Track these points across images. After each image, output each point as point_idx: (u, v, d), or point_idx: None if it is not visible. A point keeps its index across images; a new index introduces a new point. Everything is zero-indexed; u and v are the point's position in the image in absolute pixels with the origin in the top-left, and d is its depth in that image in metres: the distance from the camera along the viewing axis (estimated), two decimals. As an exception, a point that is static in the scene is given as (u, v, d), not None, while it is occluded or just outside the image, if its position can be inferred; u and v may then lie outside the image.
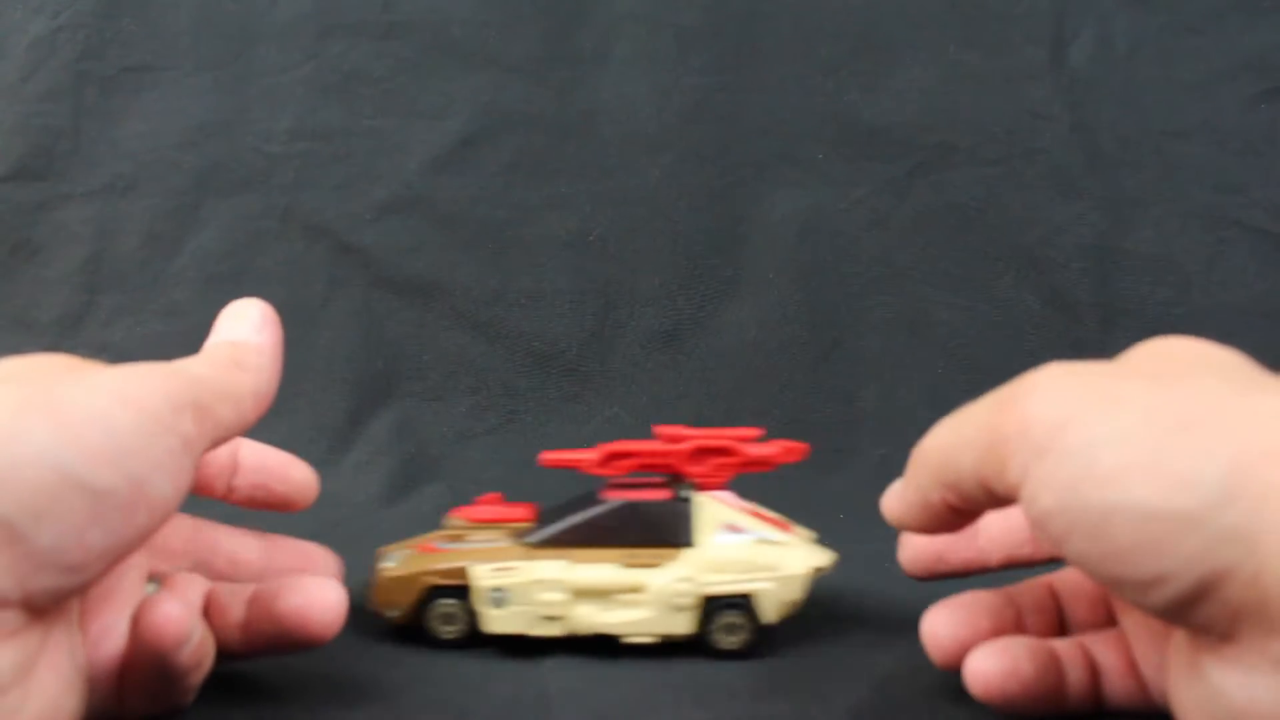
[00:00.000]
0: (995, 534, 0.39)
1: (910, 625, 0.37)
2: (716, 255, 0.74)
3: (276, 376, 0.36)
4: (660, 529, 0.42)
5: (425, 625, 0.42)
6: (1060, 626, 0.37)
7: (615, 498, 0.43)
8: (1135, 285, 0.73)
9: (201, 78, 0.74)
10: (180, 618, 0.32)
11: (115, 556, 0.29)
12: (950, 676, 0.37)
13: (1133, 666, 0.34)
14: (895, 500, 0.35)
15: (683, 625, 0.41)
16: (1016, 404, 0.29)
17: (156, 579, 0.37)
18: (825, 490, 0.62)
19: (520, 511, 0.45)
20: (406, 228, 0.73)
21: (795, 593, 0.41)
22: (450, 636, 0.42)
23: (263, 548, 0.41)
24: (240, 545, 0.41)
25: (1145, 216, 0.73)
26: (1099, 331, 0.72)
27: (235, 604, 0.36)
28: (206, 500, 0.40)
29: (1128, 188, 0.74)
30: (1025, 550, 0.39)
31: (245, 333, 0.37)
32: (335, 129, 0.74)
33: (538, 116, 0.74)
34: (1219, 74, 0.74)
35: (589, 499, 0.43)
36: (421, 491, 0.66)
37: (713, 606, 0.41)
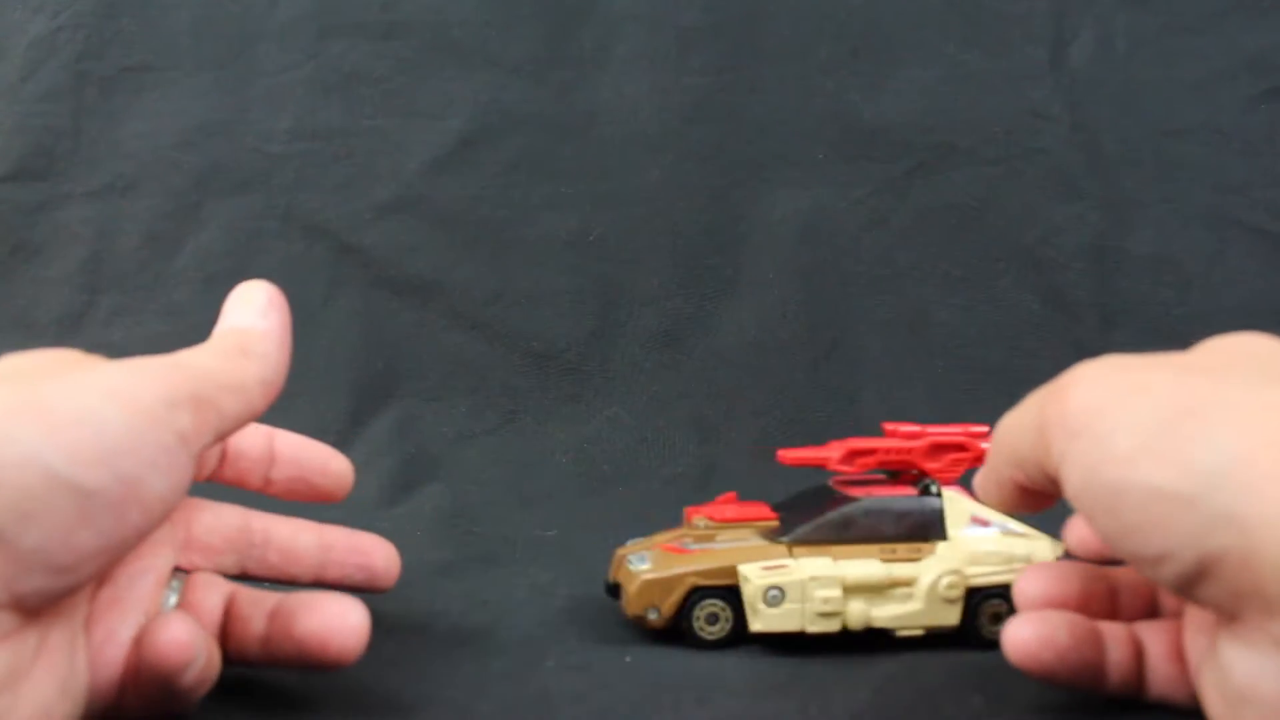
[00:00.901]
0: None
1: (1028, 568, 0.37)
2: (716, 255, 0.74)
3: (285, 362, 0.36)
4: (915, 524, 0.43)
5: (688, 627, 0.41)
6: (1153, 612, 0.37)
7: (863, 494, 0.43)
8: (1135, 285, 0.73)
9: (202, 78, 0.74)
10: (187, 643, 0.31)
11: (109, 556, 0.29)
12: (951, 676, 0.37)
13: (1179, 655, 0.35)
14: (980, 478, 0.37)
15: (951, 617, 0.42)
16: (1063, 392, 0.31)
17: (180, 577, 0.36)
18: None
19: (761, 510, 0.45)
20: (406, 228, 0.73)
21: None
22: (714, 637, 0.41)
23: (318, 538, 0.40)
24: (294, 536, 0.40)
25: (1145, 216, 0.73)
26: (1099, 331, 0.72)
27: (257, 615, 0.36)
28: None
29: (1128, 188, 0.74)
30: None
31: (251, 318, 0.36)
32: (335, 129, 0.74)
33: (538, 116, 0.74)
34: (1219, 74, 0.74)
35: (828, 495, 0.44)
36: (421, 491, 0.66)
37: (976, 598, 0.42)
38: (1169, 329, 0.71)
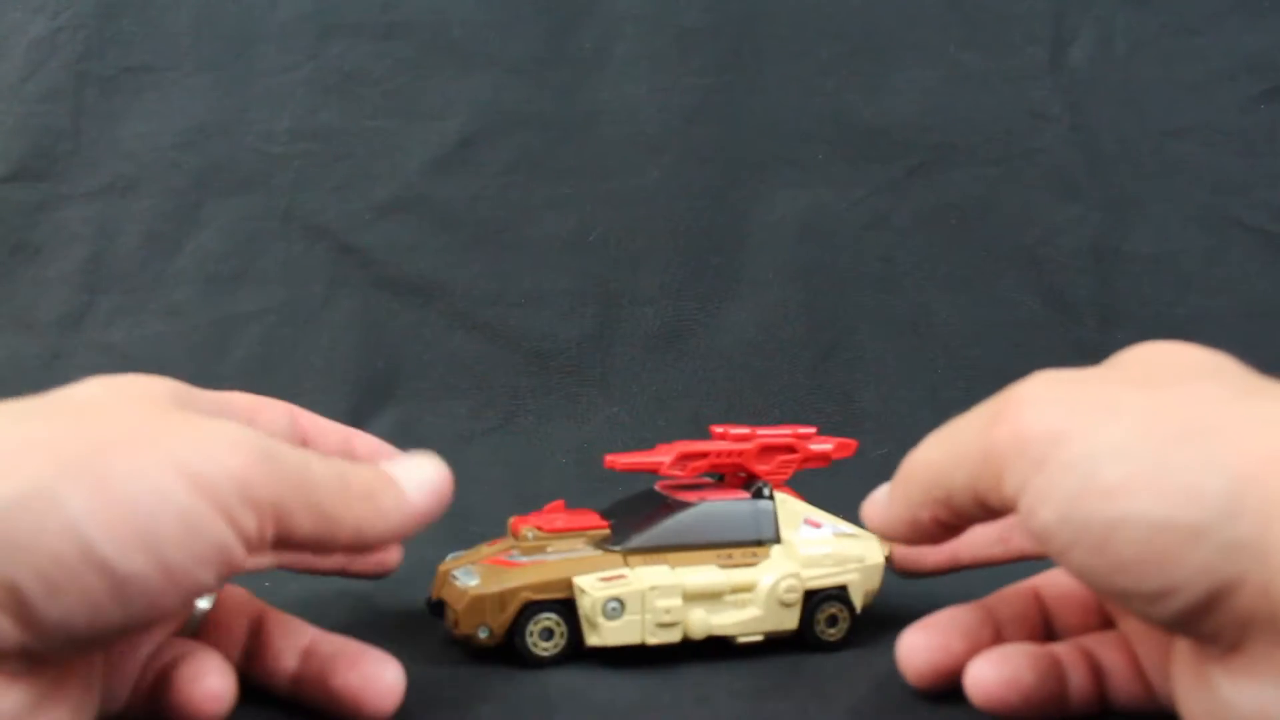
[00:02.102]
0: (967, 537, 0.39)
1: (910, 625, 0.37)
2: (716, 255, 0.74)
3: (397, 539, 0.33)
4: (750, 528, 0.42)
5: (521, 644, 0.40)
6: (1045, 634, 0.37)
7: (695, 498, 0.42)
8: (1135, 285, 0.73)
9: (202, 78, 0.74)
10: (220, 696, 0.30)
11: (136, 632, 0.28)
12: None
13: (1137, 667, 0.34)
14: (880, 512, 0.35)
15: (790, 621, 0.41)
16: (1010, 415, 0.29)
17: (209, 597, 0.35)
18: (825, 490, 0.62)
19: (590, 518, 0.43)
20: (406, 228, 0.73)
21: (876, 581, 0.43)
22: (548, 654, 0.40)
23: (346, 442, 0.40)
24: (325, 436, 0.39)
25: (1145, 216, 0.73)
26: (1099, 331, 0.72)
27: (289, 649, 0.34)
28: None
29: (1128, 188, 0.74)
30: (996, 550, 0.40)
31: (411, 482, 0.33)
32: (335, 129, 0.74)
33: (538, 117, 0.74)
34: (1219, 74, 0.74)
35: (658, 500, 0.43)
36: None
37: (812, 601, 0.41)
38: (1169, 329, 0.71)
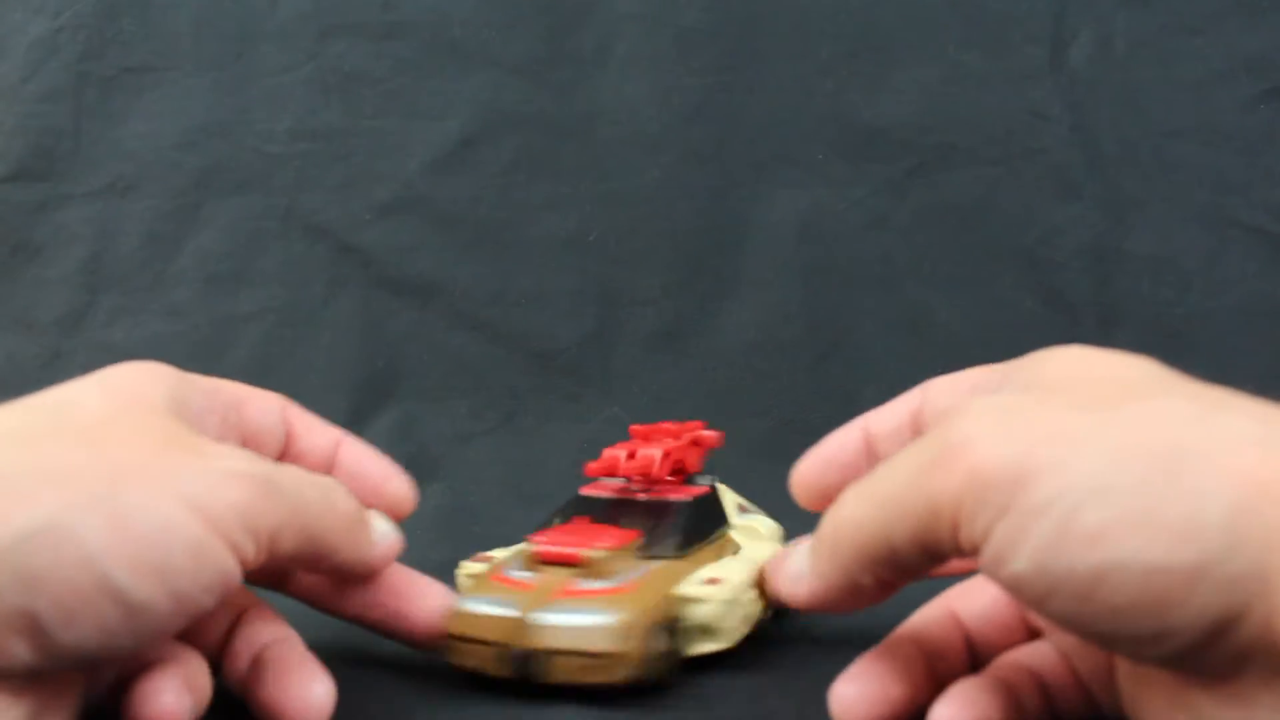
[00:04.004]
0: None
1: (838, 678, 0.35)
2: (716, 255, 0.74)
3: (367, 572, 0.36)
4: (719, 517, 0.42)
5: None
6: (970, 656, 0.34)
7: (671, 496, 0.42)
8: (1135, 285, 0.73)
9: (202, 78, 0.74)
10: (177, 715, 0.30)
11: (141, 651, 0.29)
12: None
13: (1076, 677, 0.32)
14: (804, 585, 0.32)
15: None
16: (958, 457, 0.26)
17: None
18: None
19: (621, 530, 0.39)
20: (407, 228, 0.73)
21: None
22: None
23: (333, 445, 0.39)
24: (315, 441, 0.39)
25: (1145, 216, 0.73)
26: (1099, 331, 0.72)
27: (244, 652, 0.34)
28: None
29: (1128, 188, 0.74)
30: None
31: (377, 531, 0.36)
32: (335, 129, 0.74)
33: (538, 117, 0.74)
34: (1219, 74, 0.74)
35: (631, 504, 0.41)
36: (422, 491, 0.65)
37: None
38: (1169, 329, 0.71)
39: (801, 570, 0.32)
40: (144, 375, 0.33)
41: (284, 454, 0.38)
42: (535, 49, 0.75)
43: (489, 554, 0.42)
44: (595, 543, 0.37)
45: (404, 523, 0.50)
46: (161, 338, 0.72)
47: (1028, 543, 0.25)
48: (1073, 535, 0.24)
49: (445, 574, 0.51)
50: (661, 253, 0.73)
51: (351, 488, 0.36)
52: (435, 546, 0.55)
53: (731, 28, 0.75)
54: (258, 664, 0.34)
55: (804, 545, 0.33)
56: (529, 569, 0.38)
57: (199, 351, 0.71)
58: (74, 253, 0.73)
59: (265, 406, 0.38)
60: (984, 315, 0.73)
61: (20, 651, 0.27)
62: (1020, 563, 0.25)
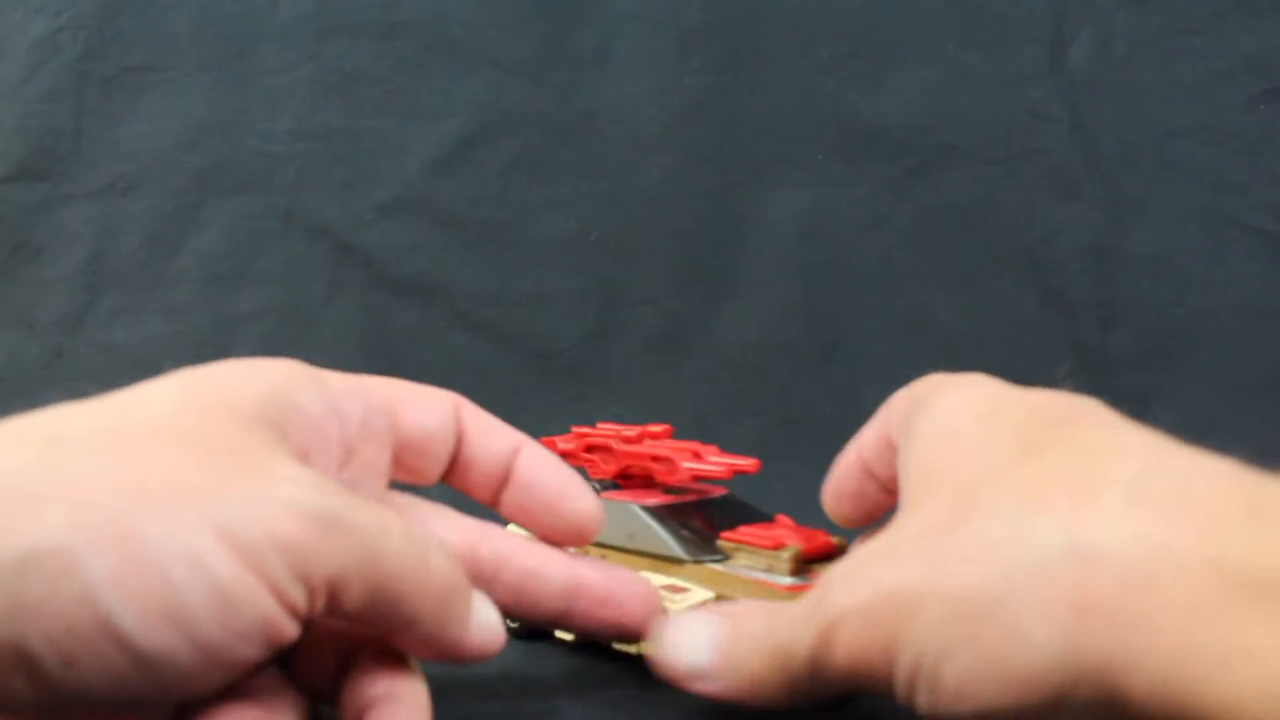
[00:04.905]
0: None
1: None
2: (716, 255, 0.74)
3: (445, 657, 0.28)
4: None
5: None
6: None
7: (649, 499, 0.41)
8: (1135, 285, 0.73)
9: (202, 78, 0.75)
10: None
11: (187, 698, 0.24)
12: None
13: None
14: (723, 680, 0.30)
15: None
16: (834, 633, 0.26)
17: None
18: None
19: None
20: (407, 228, 0.73)
21: None
22: None
23: (567, 574, 0.33)
24: (537, 570, 0.33)
25: (1145, 216, 0.73)
26: (1099, 331, 0.72)
27: (351, 705, 0.28)
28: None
29: (1128, 188, 0.74)
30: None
31: (481, 614, 0.29)
32: (336, 129, 0.74)
33: (538, 117, 0.74)
34: (1219, 74, 0.74)
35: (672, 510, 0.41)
36: (422, 491, 0.66)
37: None
38: (1169, 329, 0.71)
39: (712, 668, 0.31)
40: (245, 373, 0.29)
41: (452, 463, 0.34)
42: (535, 49, 0.75)
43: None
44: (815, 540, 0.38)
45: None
46: (162, 338, 0.72)
47: (918, 699, 0.25)
48: (942, 693, 0.24)
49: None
50: (661, 253, 0.74)
51: (525, 501, 0.33)
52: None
53: (731, 28, 0.75)
54: (364, 709, 0.27)
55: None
56: (796, 574, 0.36)
57: (200, 352, 0.71)
58: (74, 253, 0.73)
59: (428, 406, 0.34)
60: (984, 315, 0.73)
61: (20, 688, 0.22)
62: (923, 709, 0.25)
